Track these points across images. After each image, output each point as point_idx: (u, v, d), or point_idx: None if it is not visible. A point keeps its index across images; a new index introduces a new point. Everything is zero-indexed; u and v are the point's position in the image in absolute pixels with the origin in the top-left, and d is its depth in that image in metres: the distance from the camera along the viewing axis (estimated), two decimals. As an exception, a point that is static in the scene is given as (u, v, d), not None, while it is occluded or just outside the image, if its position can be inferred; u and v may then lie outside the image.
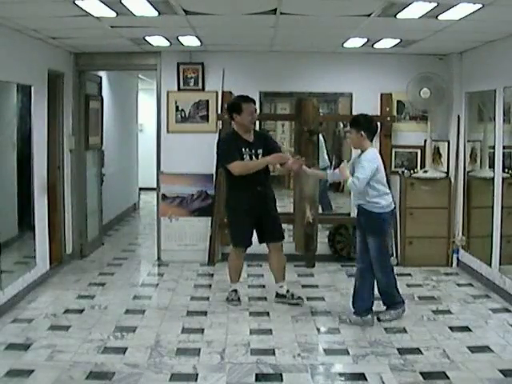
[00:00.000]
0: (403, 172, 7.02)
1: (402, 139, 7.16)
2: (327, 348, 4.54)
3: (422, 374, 4.03)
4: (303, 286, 6.12)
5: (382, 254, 5.01)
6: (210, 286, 6.25)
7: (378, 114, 7.02)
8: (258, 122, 6.94)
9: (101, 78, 8.19)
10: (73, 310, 5.33)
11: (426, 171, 6.97)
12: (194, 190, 7.17)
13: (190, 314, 5.32)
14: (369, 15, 4.81)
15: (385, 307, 5.14)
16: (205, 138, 7.05)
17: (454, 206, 6.92)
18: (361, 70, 7.09)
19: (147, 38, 6.12)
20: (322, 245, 7.15)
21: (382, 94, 7.05)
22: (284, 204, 7.67)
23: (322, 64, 7.10)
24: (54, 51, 6.48)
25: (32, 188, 5.90)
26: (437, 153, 7.08)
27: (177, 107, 7.14)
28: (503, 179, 5.78)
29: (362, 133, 4.89)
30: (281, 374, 4.04)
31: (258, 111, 5.50)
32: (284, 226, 5.88)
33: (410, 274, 6.65)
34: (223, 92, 7.03)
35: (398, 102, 7.10)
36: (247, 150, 5.31)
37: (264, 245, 5.55)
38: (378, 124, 5.21)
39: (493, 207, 5.90)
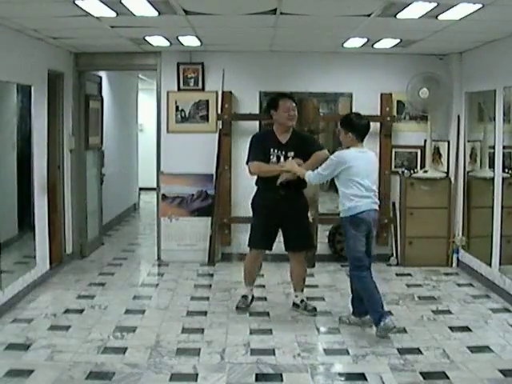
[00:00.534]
0: (403, 172, 7.02)
1: (402, 139, 7.16)
2: (327, 348, 4.53)
3: (421, 374, 4.03)
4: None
5: (349, 258, 4.90)
6: (210, 286, 6.25)
7: (378, 113, 7.04)
8: (258, 123, 7.00)
9: (101, 77, 8.19)
10: (73, 310, 5.33)
11: (426, 171, 6.97)
12: (194, 190, 7.17)
13: (189, 313, 5.31)
14: (369, 15, 4.80)
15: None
16: (205, 138, 7.07)
17: (454, 206, 6.92)
18: (361, 70, 7.09)
19: (147, 38, 6.12)
20: (322, 245, 7.15)
21: (382, 94, 7.05)
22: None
23: (322, 64, 7.10)
24: (54, 51, 6.48)
25: (32, 188, 5.90)
26: (437, 153, 7.08)
27: (177, 107, 7.14)
28: (503, 179, 5.78)
29: (350, 134, 4.79)
30: (281, 374, 4.04)
31: (296, 111, 5.17)
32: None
33: (410, 274, 6.66)
34: (223, 92, 7.02)
35: (398, 102, 7.10)
36: (276, 150, 5.10)
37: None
38: (371, 124, 4.98)
39: (493, 207, 5.90)
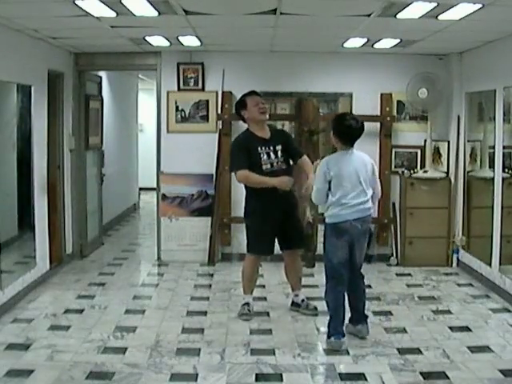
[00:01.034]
0: (403, 172, 7.02)
1: (402, 139, 7.16)
2: (327, 348, 4.52)
3: (421, 374, 4.03)
4: (303, 286, 6.09)
5: (326, 267, 4.63)
6: (210, 286, 6.25)
7: (378, 113, 7.04)
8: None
9: (101, 77, 8.19)
10: (73, 310, 5.33)
11: (426, 171, 6.97)
12: (194, 190, 7.17)
13: (189, 313, 5.31)
14: (369, 15, 4.80)
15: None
16: (205, 138, 7.07)
17: (454, 206, 6.92)
18: (361, 70, 7.09)
19: (147, 38, 6.12)
20: (322, 245, 7.13)
21: (382, 94, 7.06)
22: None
23: (322, 64, 7.09)
24: (54, 51, 6.48)
25: (32, 188, 5.90)
26: (437, 153, 7.08)
27: (177, 107, 7.14)
28: (503, 179, 5.78)
29: (336, 137, 4.53)
30: (281, 374, 4.04)
31: (265, 103, 5.16)
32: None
33: (410, 274, 6.66)
34: (223, 92, 7.03)
35: (398, 102, 7.10)
36: (264, 148, 5.03)
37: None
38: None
39: (493, 207, 5.90)
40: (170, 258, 7.17)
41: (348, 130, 4.49)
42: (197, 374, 4.02)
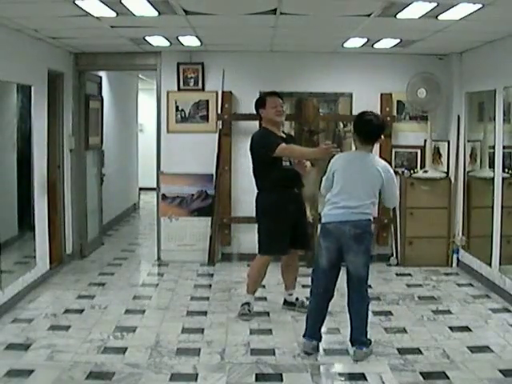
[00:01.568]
0: (403, 172, 7.02)
1: (402, 139, 7.16)
2: (327, 348, 4.53)
3: (421, 374, 4.03)
4: (303, 286, 6.09)
5: (313, 272, 4.51)
6: (210, 286, 6.25)
7: (378, 114, 7.03)
8: (258, 123, 6.98)
9: (101, 77, 8.19)
10: (73, 310, 5.33)
11: (426, 171, 6.97)
12: (194, 190, 7.17)
13: (189, 313, 5.32)
14: (369, 15, 4.80)
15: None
16: (205, 138, 7.07)
17: (454, 206, 6.92)
18: (361, 70, 7.09)
19: (147, 38, 6.12)
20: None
21: (381, 94, 7.06)
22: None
23: (322, 64, 7.09)
24: (54, 51, 6.48)
25: (32, 188, 5.90)
26: (437, 153, 7.08)
27: (177, 107, 7.14)
28: (503, 179, 5.78)
29: (354, 135, 4.40)
30: (281, 374, 4.04)
31: (283, 106, 5.18)
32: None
33: (410, 274, 6.66)
34: (223, 92, 7.03)
35: (398, 102, 7.11)
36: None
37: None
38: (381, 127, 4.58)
39: (493, 207, 5.90)
40: (170, 258, 7.17)
41: (367, 126, 4.31)
42: (197, 374, 4.02)
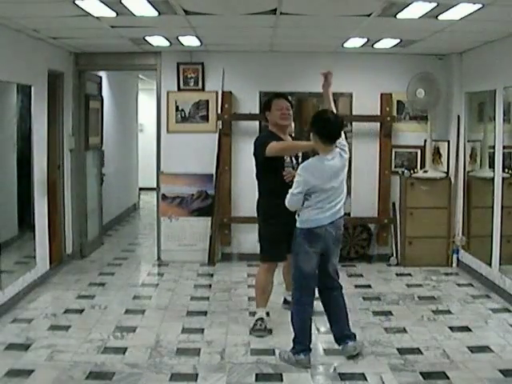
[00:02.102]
0: (403, 172, 7.02)
1: (402, 139, 7.16)
2: (327, 348, 4.53)
3: (421, 374, 4.03)
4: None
5: (294, 278, 4.32)
6: (210, 286, 6.25)
7: (378, 114, 7.04)
8: (258, 123, 6.99)
9: (101, 77, 8.19)
10: (73, 310, 5.33)
11: (426, 171, 6.97)
12: (194, 190, 7.17)
13: (189, 313, 5.31)
14: (369, 15, 4.80)
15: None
16: (205, 138, 7.07)
17: (454, 206, 6.92)
18: (361, 70, 7.09)
19: (147, 38, 6.12)
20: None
21: (382, 94, 7.06)
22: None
23: (322, 64, 7.02)
24: (54, 51, 6.48)
25: (32, 188, 5.90)
26: (437, 153, 7.08)
27: (177, 107, 7.14)
28: (503, 179, 5.78)
29: (315, 136, 4.18)
30: (281, 374, 4.04)
31: (290, 110, 4.91)
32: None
33: (410, 274, 6.66)
34: (223, 92, 7.03)
35: (398, 102, 7.10)
36: None
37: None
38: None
39: (493, 207, 5.90)
40: (170, 258, 7.17)
41: (326, 125, 4.15)
42: (197, 374, 4.02)
